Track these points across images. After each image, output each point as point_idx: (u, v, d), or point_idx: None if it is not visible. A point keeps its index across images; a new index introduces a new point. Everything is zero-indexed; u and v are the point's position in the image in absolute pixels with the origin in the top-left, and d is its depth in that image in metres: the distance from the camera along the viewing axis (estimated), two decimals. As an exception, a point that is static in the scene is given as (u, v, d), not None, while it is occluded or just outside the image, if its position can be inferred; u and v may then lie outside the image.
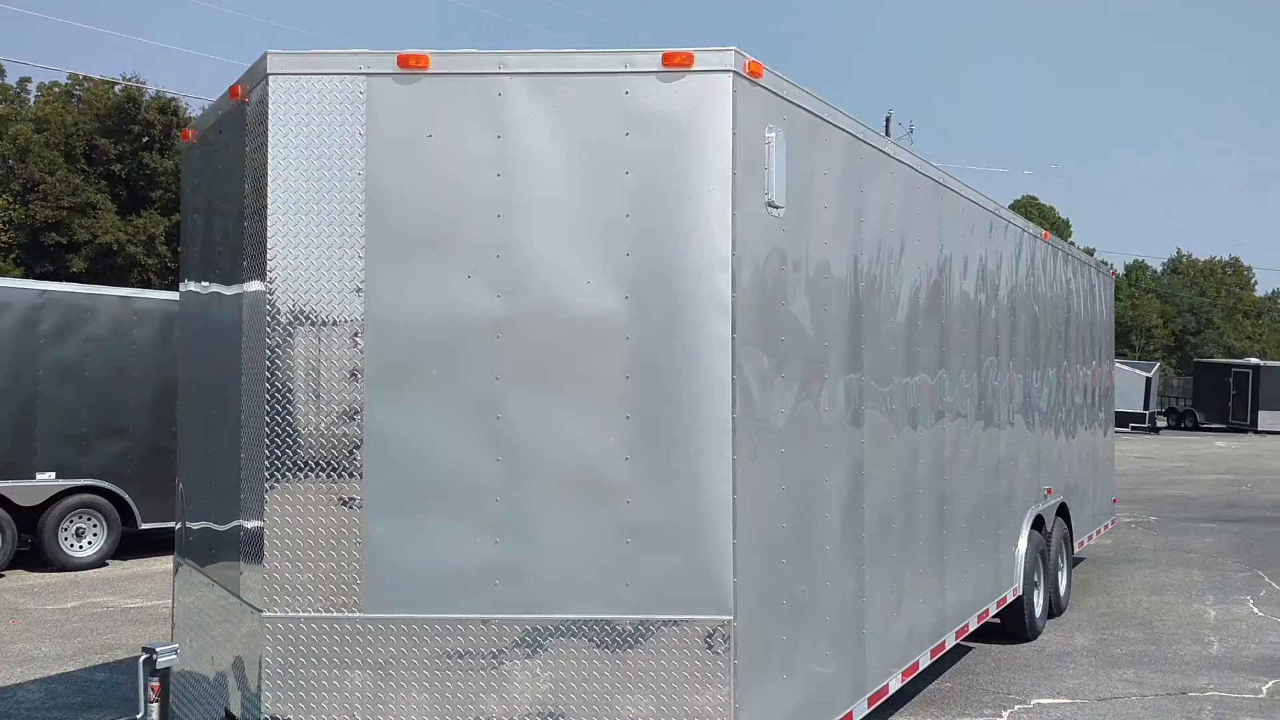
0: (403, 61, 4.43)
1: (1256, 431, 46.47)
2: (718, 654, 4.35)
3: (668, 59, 4.43)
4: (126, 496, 12.44)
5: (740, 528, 4.42)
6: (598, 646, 4.37)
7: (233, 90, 4.91)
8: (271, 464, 4.43)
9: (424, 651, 4.38)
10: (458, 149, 4.42)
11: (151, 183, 48.93)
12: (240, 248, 4.78)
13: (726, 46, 4.45)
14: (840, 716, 5.35)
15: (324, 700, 4.39)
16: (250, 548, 4.57)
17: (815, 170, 5.19)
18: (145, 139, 49.97)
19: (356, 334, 4.41)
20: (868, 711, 5.68)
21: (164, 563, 13.03)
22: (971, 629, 7.50)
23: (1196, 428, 48.99)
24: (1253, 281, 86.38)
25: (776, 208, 4.76)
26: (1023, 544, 8.62)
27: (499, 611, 4.38)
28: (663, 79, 4.43)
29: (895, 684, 6.10)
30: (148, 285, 43.35)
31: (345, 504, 4.41)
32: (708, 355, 4.40)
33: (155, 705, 3.98)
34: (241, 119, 4.80)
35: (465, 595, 4.39)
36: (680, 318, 4.40)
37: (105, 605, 10.49)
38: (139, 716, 4.02)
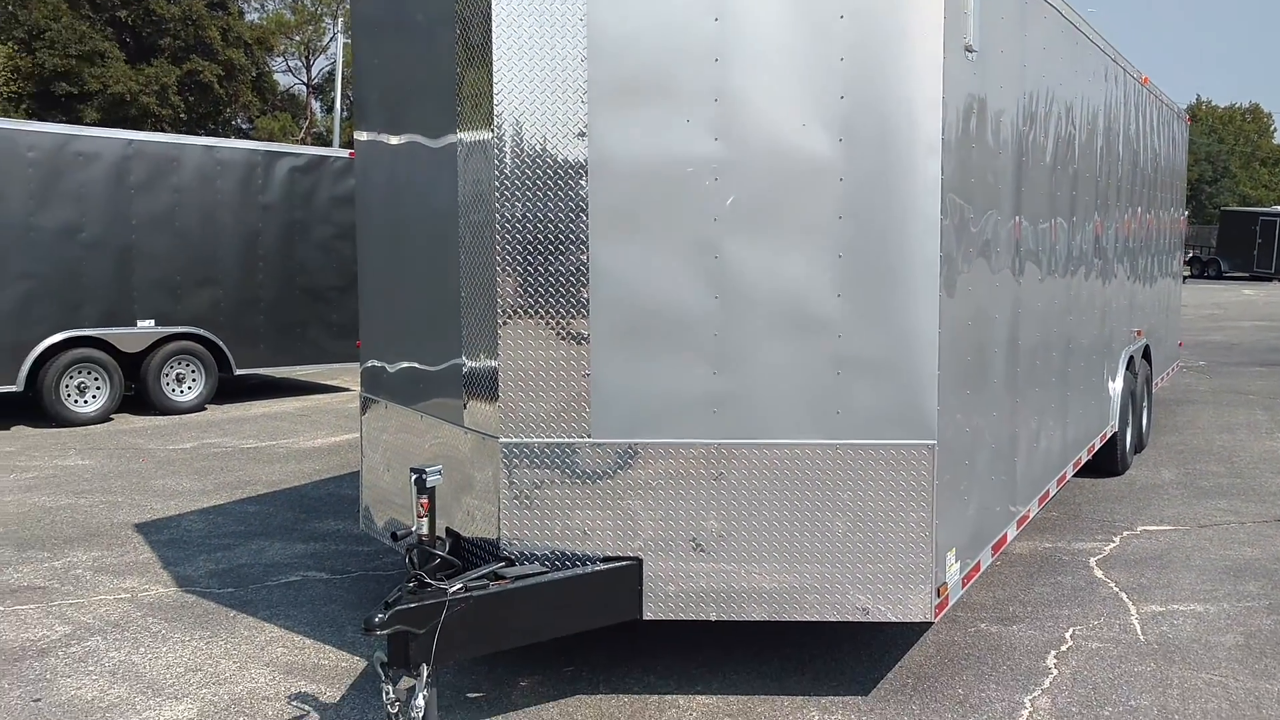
0: (623, -93, 4.50)
1: (1281, 280, 46.65)
2: (921, 476, 4.69)
3: None
4: (221, 343, 12.79)
5: (941, 359, 4.71)
6: (809, 469, 4.70)
7: (437, -63, 4.99)
8: (504, 304, 4.69)
9: (648, 473, 4.73)
10: (677, -6, 4.54)
11: (159, 30, 47.71)
12: (454, 95, 4.93)
13: (941, -109, 4.52)
14: (998, 539, 5.76)
15: (555, 519, 4.76)
16: (481, 382, 4.87)
17: (995, 15, 5.29)
18: (152, -18, 48.34)
19: (580, 177, 4.61)
20: (1015, 534, 6.10)
21: (261, 406, 13.50)
22: (1083, 462, 7.90)
23: (1220, 276, 49.08)
24: (1272, 129, 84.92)
25: (972, 51, 4.89)
26: (1119, 383, 8.96)
27: (718, 437, 4.71)
28: (878, -76, 4.51)
29: (1035, 511, 6.50)
30: (163, 137, 42.79)
31: (573, 339, 4.69)
32: (919, 196, 4.60)
33: (424, 520, 4.34)
34: (449, -33, 4.89)
35: (686, 422, 4.71)
36: (893, 159, 4.59)
37: (221, 446, 10.94)
38: (412, 529, 4.38)
